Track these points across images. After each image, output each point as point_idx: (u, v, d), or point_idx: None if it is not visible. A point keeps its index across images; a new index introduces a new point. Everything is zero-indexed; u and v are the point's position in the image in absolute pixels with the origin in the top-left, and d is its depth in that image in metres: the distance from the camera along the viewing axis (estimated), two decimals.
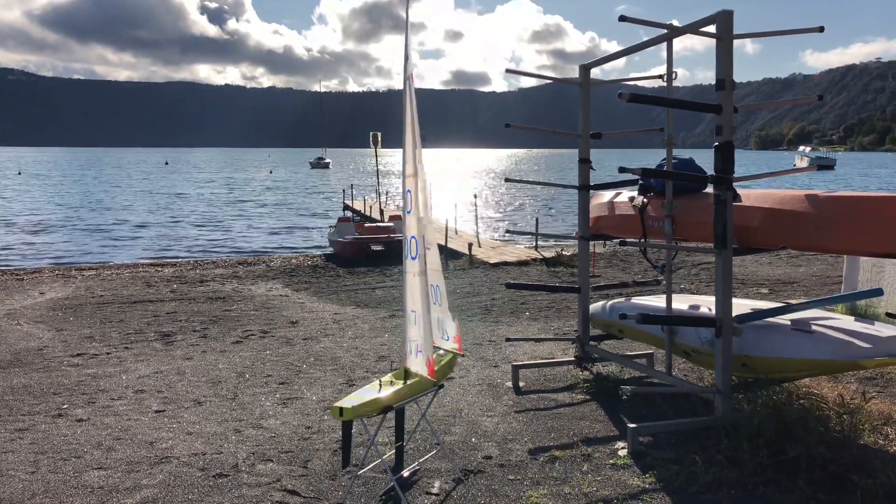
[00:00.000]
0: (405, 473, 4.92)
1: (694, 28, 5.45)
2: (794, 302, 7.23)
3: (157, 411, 6.51)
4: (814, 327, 5.39)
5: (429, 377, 4.57)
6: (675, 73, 6.16)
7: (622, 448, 5.32)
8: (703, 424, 5.42)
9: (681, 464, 4.94)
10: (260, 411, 6.44)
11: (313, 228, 32.97)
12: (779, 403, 5.24)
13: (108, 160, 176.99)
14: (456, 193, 44.72)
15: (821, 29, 5.27)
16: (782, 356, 5.34)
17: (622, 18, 5.37)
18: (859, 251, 5.23)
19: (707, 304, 6.24)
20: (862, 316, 7.51)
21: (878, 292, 6.67)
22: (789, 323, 5.56)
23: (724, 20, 5.18)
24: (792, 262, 16.05)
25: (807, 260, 16.14)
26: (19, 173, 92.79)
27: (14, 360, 8.49)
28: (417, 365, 4.66)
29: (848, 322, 5.59)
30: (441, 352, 5.16)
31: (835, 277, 13.11)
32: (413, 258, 4.61)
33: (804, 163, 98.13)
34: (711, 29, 5.28)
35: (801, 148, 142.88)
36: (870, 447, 5.03)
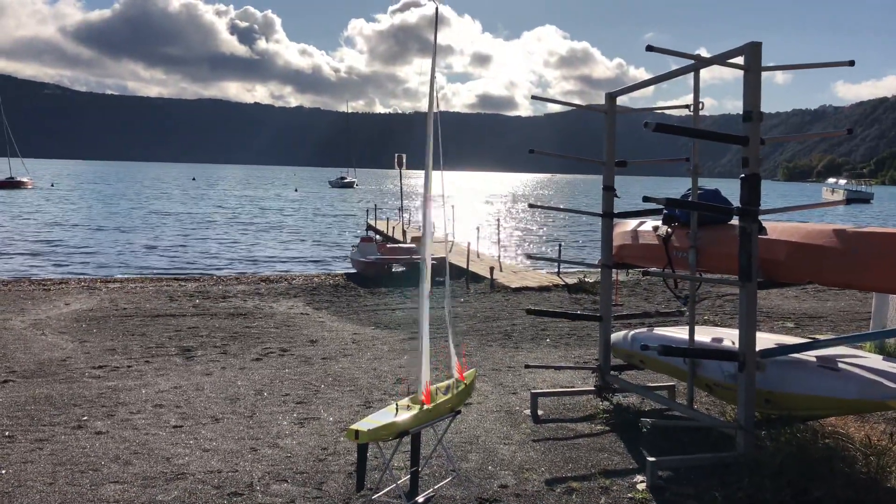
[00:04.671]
0: (420, 499, 4.87)
1: (721, 59, 5.43)
2: (820, 338, 7.11)
3: (174, 426, 6.53)
4: (840, 365, 5.28)
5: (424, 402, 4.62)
6: (702, 102, 6.14)
7: (641, 482, 5.23)
8: (725, 460, 5.32)
9: (700, 500, 4.84)
10: (277, 430, 6.44)
11: (335, 247, 33.15)
12: (803, 442, 5.12)
13: (138, 174, 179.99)
14: (479, 217, 44.80)
15: (851, 63, 5.22)
16: (807, 393, 5.23)
17: (649, 48, 5.37)
18: (888, 288, 5.13)
19: (731, 337, 6.14)
20: (890, 355, 7.35)
21: None
22: (815, 359, 5.45)
23: (752, 52, 5.15)
24: (819, 296, 15.79)
25: (834, 294, 15.87)
26: (52, 185, 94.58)
27: (37, 370, 8.59)
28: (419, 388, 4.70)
29: (876, 361, 5.47)
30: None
31: (863, 314, 12.87)
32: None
33: (835, 196, 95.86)
34: (739, 60, 5.25)
35: (830, 180, 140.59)
36: None
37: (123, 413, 6.92)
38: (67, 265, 25.23)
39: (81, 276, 21.32)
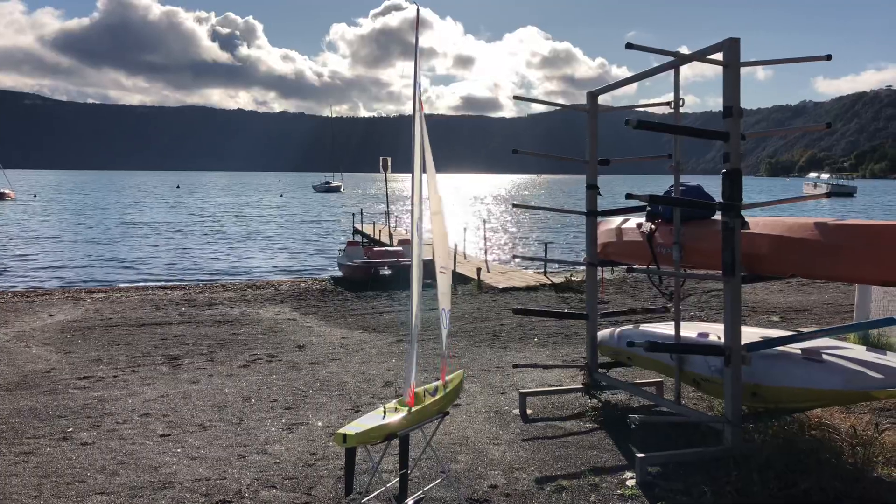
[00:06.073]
0: (409, 502, 4.86)
1: (701, 56, 5.47)
2: (805, 330, 7.16)
3: (161, 435, 6.47)
4: (825, 357, 5.32)
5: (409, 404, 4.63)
6: (683, 100, 6.16)
7: (630, 478, 5.24)
8: (713, 455, 5.34)
9: (689, 495, 4.85)
10: (265, 437, 6.40)
11: (321, 251, 33.04)
12: (790, 434, 5.16)
13: (121, 183, 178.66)
14: (465, 218, 44.84)
15: (828, 57, 5.27)
16: (793, 386, 5.27)
17: (629, 46, 5.39)
18: (870, 280, 5.17)
19: (716, 331, 6.18)
20: (874, 346, 7.41)
21: (891, 321, 6.61)
22: (800, 352, 5.49)
23: (731, 48, 5.19)
24: (803, 289, 15.92)
25: (818, 287, 16.01)
26: (35, 196, 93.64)
27: (21, 383, 8.49)
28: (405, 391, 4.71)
29: (860, 352, 5.52)
30: (448, 378, 5.13)
31: (847, 306, 12.98)
32: None
33: (817, 190, 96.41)
34: (719, 56, 5.28)
35: (812, 175, 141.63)
36: (883, 480, 4.94)
37: (109, 423, 6.86)
38: (51, 277, 24.96)
39: (65, 287, 21.11)
